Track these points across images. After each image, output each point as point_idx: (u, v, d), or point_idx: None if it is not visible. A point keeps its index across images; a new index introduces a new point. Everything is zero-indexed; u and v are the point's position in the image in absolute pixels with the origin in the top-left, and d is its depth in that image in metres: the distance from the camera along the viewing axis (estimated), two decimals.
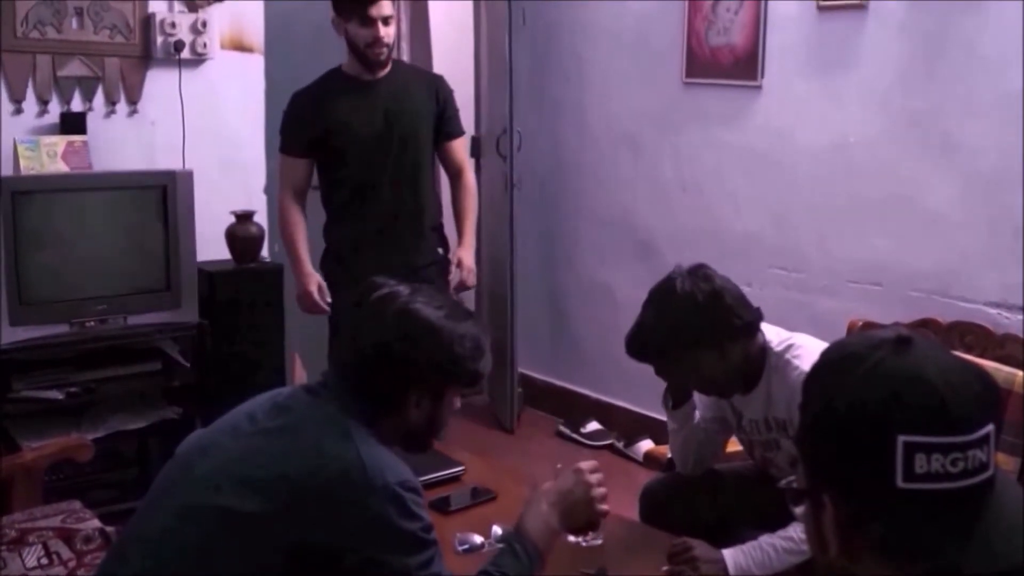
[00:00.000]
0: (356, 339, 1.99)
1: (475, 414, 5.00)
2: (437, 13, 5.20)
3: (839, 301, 3.86)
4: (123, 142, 4.00)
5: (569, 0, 4.90)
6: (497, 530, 2.38)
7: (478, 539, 2.40)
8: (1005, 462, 2.59)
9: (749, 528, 2.47)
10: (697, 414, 2.73)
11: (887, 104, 3.73)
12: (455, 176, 3.83)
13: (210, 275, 3.94)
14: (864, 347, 1.15)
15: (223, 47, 4.20)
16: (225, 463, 1.89)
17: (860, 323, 3.25)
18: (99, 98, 3.96)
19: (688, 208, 4.47)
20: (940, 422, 1.08)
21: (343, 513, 1.80)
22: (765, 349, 2.48)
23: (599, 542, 2.39)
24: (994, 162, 3.45)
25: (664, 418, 2.80)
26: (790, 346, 2.47)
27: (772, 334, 2.51)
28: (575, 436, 4.84)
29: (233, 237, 4.03)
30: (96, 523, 2.81)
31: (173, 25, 4.00)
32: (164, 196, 3.77)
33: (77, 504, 2.94)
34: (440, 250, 3.79)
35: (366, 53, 3.53)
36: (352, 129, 3.58)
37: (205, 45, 4.09)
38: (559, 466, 2.23)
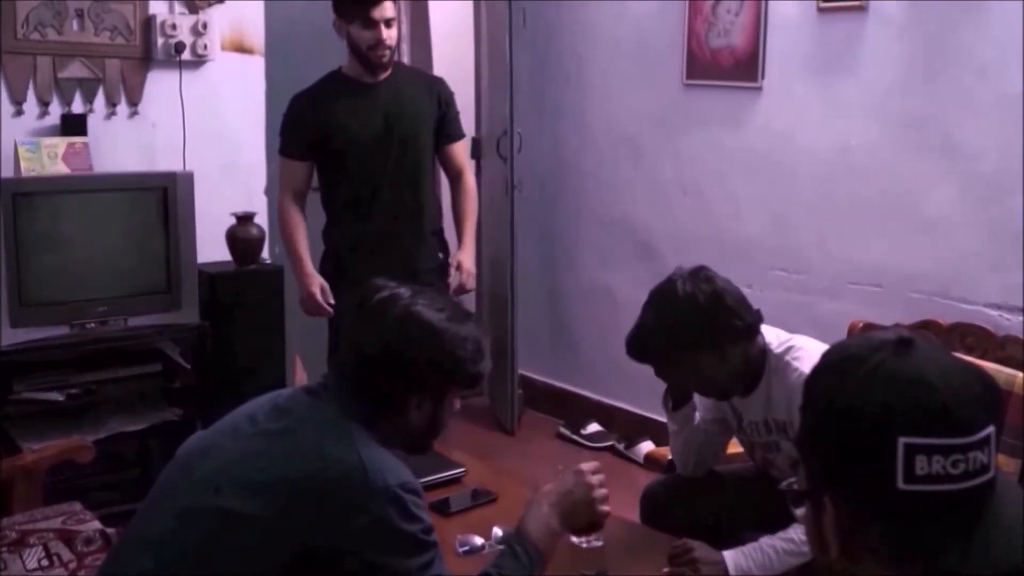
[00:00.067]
0: (358, 341, 1.99)
1: (475, 416, 4.99)
2: (437, 15, 5.20)
3: (840, 303, 3.86)
4: (124, 144, 4.00)
5: (569, 1, 4.90)
6: (498, 532, 2.38)
7: (479, 541, 2.40)
8: (1006, 464, 2.60)
9: (750, 530, 2.47)
10: (697, 415, 2.73)
11: (887, 106, 3.73)
12: (455, 179, 3.82)
13: (211, 276, 3.94)
14: (865, 349, 1.15)
15: (224, 49, 4.20)
16: (225, 465, 1.89)
17: (861, 325, 3.25)
18: (100, 100, 3.96)
19: (688, 210, 4.47)
20: (941, 424, 1.08)
21: (344, 515, 1.80)
22: (765, 351, 2.48)
23: (600, 544, 2.39)
24: (994, 163, 3.45)
25: (664, 420, 2.80)
26: (790, 348, 2.47)
27: (772, 336, 2.51)
28: (575, 438, 4.84)
29: (234, 239, 4.03)
30: (96, 525, 2.81)
31: (174, 27, 4.00)
32: (165, 198, 3.77)
33: (77, 506, 2.94)
34: (440, 254, 3.78)
35: (368, 56, 3.52)
36: (352, 131, 3.57)
37: (206, 47, 4.09)
38: (560, 468, 2.23)
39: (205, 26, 4.07)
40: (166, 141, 4.05)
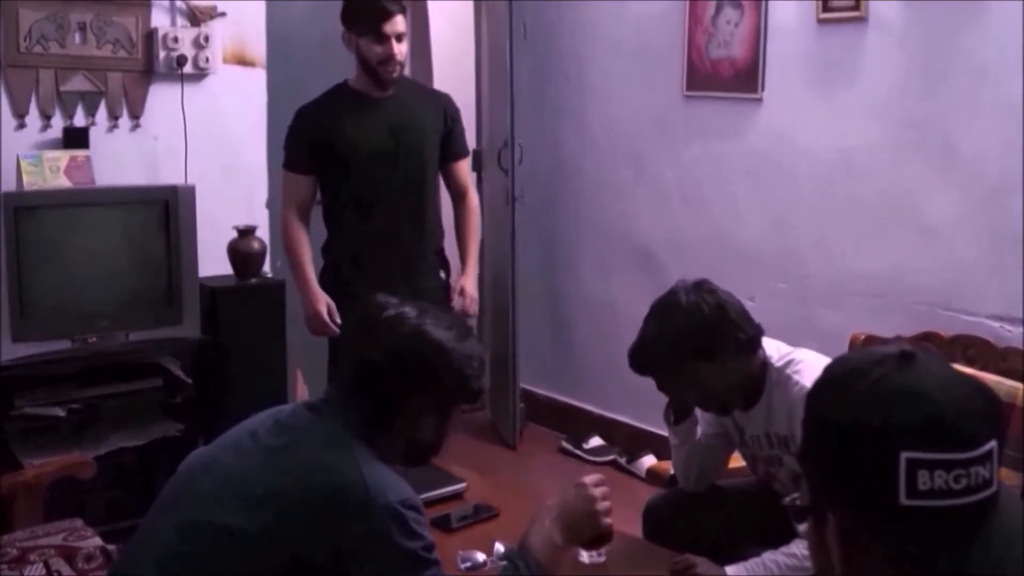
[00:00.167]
0: (365, 359, 1.98)
1: (477, 430, 4.99)
2: (438, 27, 5.21)
3: (841, 314, 3.86)
4: (126, 157, 4.00)
5: (570, 13, 4.91)
6: (499, 547, 2.38)
7: (480, 556, 2.39)
8: (1008, 476, 2.59)
9: (752, 544, 2.46)
10: (699, 430, 2.73)
11: (888, 115, 3.73)
12: (459, 197, 3.79)
13: (212, 291, 3.93)
14: (866, 363, 1.15)
15: (225, 61, 4.21)
16: (227, 480, 1.89)
17: (862, 336, 3.25)
18: (102, 113, 3.97)
19: (690, 221, 4.47)
20: (943, 438, 1.08)
21: (345, 531, 1.80)
22: (766, 365, 2.48)
23: (602, 559, 2.38)
24: (995, 173, 3.45)
25: (666, 434, 2.80)
26: (790, 361, 2.47)
27: (772, 349, 2.51)
28: (577, 452, 4.83)
29: (235, 252, 4.02)
30: (97, 541, 2.81)
31: (175, 40, 4.01)
32: (166, 211, 3.77)
33: (78, 522, 2.93)
34: (442, 273, 3.75)
35: (378, 70, 3.49)
36: (357, 146, 3.54)
37: (207, 60, 4.09)
38: (563, 486, 2.22)
39: (207, 39, 4.08)
40: (168, 154, 4.05)
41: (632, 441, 4.69)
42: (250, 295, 4.04)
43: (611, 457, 4.71)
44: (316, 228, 3.72)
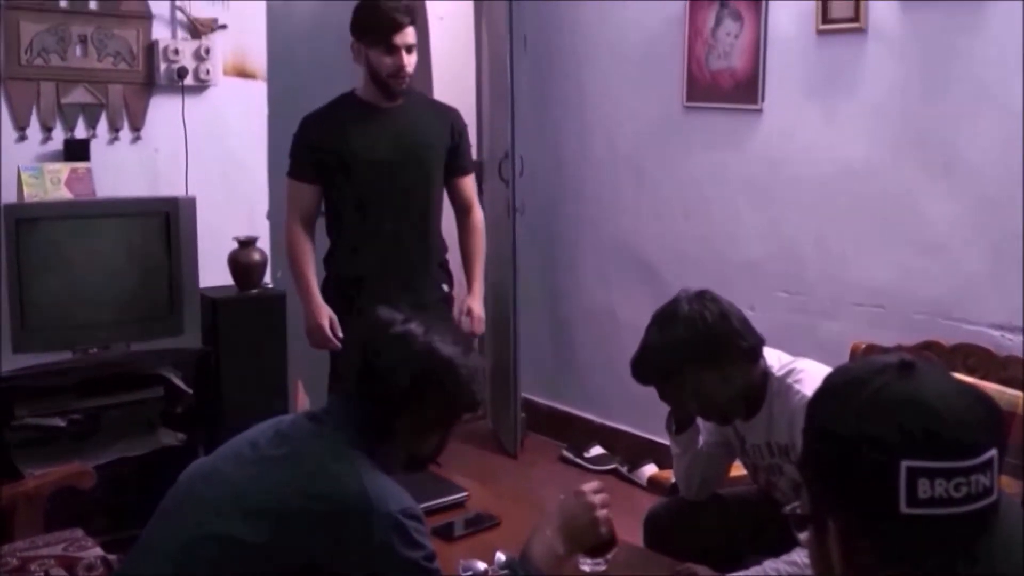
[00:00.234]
0: (372, 375, 1.99)
1: (478, 439, 4.99)
2: (438, 38, 5.22)
3: (842, 324, 3.86)
4: (126, 169, 4.01)
5: (571, 25, 4.92)
6: (501, 556, 2.37)
7: (482, 566, 2.39)
8: (1009, 484, 2.59)
9: (753, 553, 2.46)
10: (701, 439, 2.73)
11: (888, 126, 3.74)
12: (463, 212, 3.76)
13: (213, 301, 3.93)
14: (867, 372, 1.15)
15: (226, 74, 4.22)
16: (228, 491, 1.89)
17: (863, 346, 3.25)
18: (103, 125, 3.98)
19: (690, 231, 4.48)
20: (943, 447, 1.08)
21: (346, 541, 1.80)
22: (767, 374, 2.48)
23: (603, 568, 2.38)
24: (995, 183, 3.45)
25: (668, 442, 2.80)
26: (791, 371, 2.47)
27: (773, 359, 2.51)
28: (579, 461, 4.82)
29: (236, 263, 4.02)
30: (98, 551, 2.81)
31: (176, 52, 4.02)
32: (167, 222, 3.78)
33: (79, 532, 2.93)
34: (445, 286, 3.72)
35: (388, 82, 3.46)
36: (363, 156, 3.50)
37: (208, 72, 4.10)
38: (562, 496, 2.22)
39: (207, 51, 4.09)
40: (169, 166, 4.06)
41: (633, 450, 4.69)
42: (251, 306, 4.04)
43: (612, 466, 4.71)
44: (319, 238, 3.72)
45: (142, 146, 4.06)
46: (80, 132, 3.93)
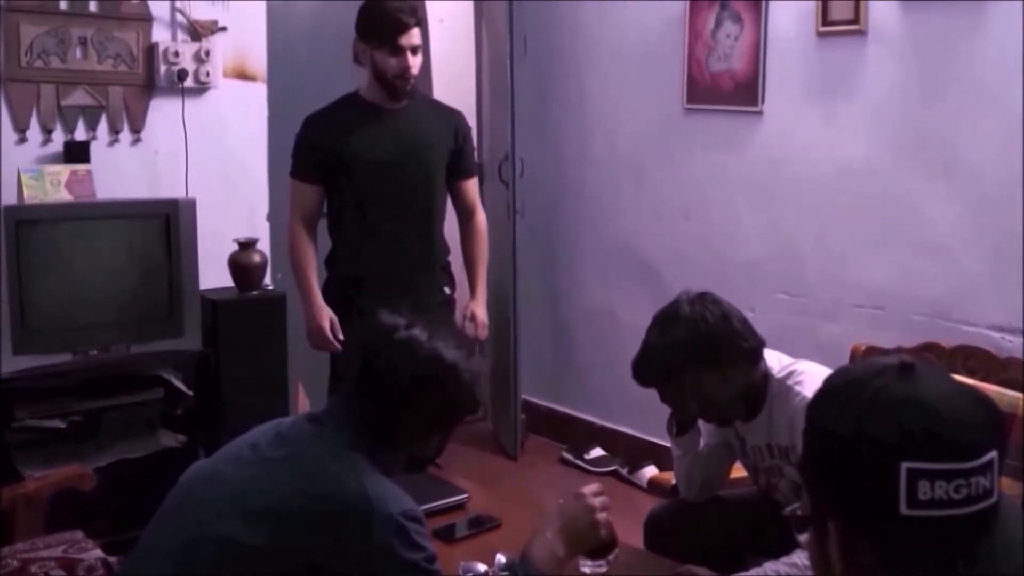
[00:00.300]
0: (376, 380, 1.99)
1: (478, 441, 4.99)
2: (438, 40, 5.22)
3: (842, 325, 3.86)
4: (127, 171, 4.01)
5: (571, 27, 4.92)
6: (501, 558, 2.37)
7: (482, 567, 2.39)
8: (1009, 486, 2.58)
9: (753, 554, 2.46)
10: (702, 441, 2.73)
11: (888, 128, 3.74)
12: (466, 216, 3.74)
13: (213, 303, 3.93)
14: (867, 374, 1.15)
15: (226, 76, 4.22)
16: (228, 492, 1.89)
17: (863, 347, 3.25)
18: (103, 127, 3.98)
19: (690, 233, 4.48)
20: (943, 449, 1.08)
21: (347, 543, 1.80)
22: (767, 376, 2.49)
23: (603, 570, 2.38)
24: (995, 186, 3.45)
25: (668, 444, 2.80)
26: (792, 372, 2.47)
27: (774, 361, 2.51)
28: (579, 462, 4.82)
29: (236, 265, 4.02)
30: (98, 553, 2.81)
31: (176, 54, 4.02)
32: (167, 224, 3.78)
33: (79, 534, 2.93)
34: (446, 288, 3.70)
35: (393, 83, 3.44)
36: (365, 157, 3.48)
37: (208, 74, 4.10)
38: (561, 501, 2.22)
39: (208, 53, 4.09)
40: (169, 168, 4.06)
41: (633, 452, 4.69)
42: (251, 307, 4.04)
43: (612, 468, 4.71)
44: (322, 239, 3.70)
45: (142, 148, 4.06)
46: (80, 134, 3.93)
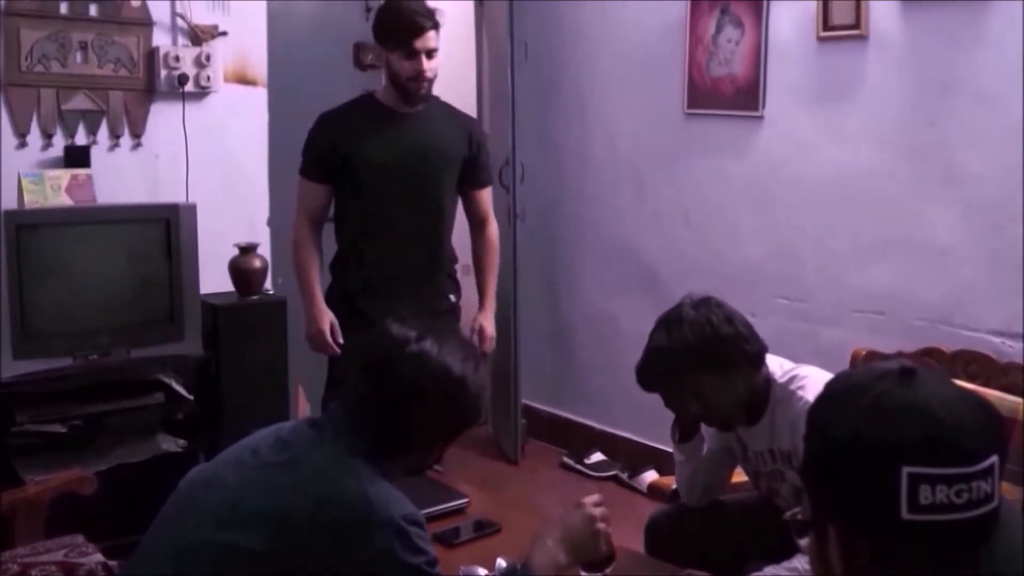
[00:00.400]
0: (385, 391, 1.99)
1: (479, 446, 4.99)
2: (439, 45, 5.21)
3: (843, 331, 3.86)
4: (127, 175, 4.01)
5: (571, 32, 4.93)
6: (501, 563, 2.37)
7: (482, 572, 2.39)
8: (1009, 491, 2.59)
9: (754, 560, 2.46)
10: (704, 447, 2.73)
11: (888, 134, 3.74)
12: (478, 225, 3.69)
13: (213, 308, 3.93)
14: (868, 379, 1.15)
15: (227, 80, 4.22)
16: (228, 497, 1.89)
17: (864, 352, 3.25)
18: (103, 131, 3.98)
19: (691, 238, 4.48)
20: (944, 453, 1.08)
21: (348, 548, 1.80)
22: (769, 381, 2.48)
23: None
24: (996, 191, 3.46)
25: (670, 449, 2.80)
26: (794, 377, 2.47)
27: (775, 366, 2.51)
28: (579, 467, 4.83)
29: (236, 269, 4.02)
30: (99, 557, 2.81)
31: (177, 59, 4.02)
32: (167, 229, 3.77)
33: (80, 538, 2.93)
34: (452, 296, 3.64)
35: (407, 86, 3.40)
36: (375, 160, 3.43)
37: (209, 78, 4.11)
38: (562, 511, 2.22)
39: (208, 58, 4.09)
40: (169, 172, 4.06)
41: (634, 456, 4.69)
42: (251, 312, 4.03)
43: (613, 472, 4.71)
44: (327, 243, 3.67)
45: (142, 152, 4.06)
46: (81, 139, 3.94)
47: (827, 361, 2.62)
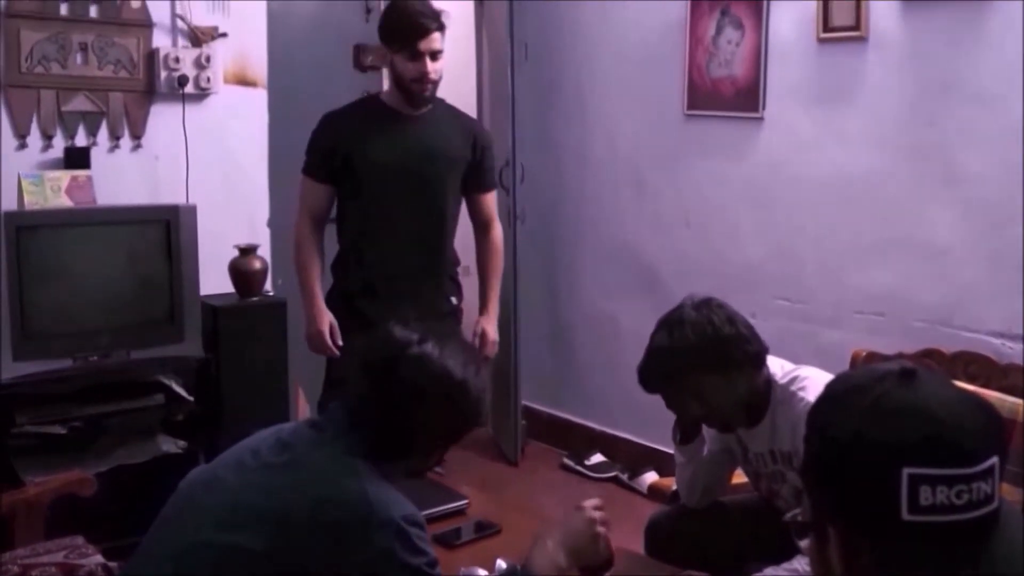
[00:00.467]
0: (386, 394, 1.99)
1: (479, 447, 4.98)
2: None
3: (843, 332, 3.86)
4: (127, 176, 4.01)
5: (571, 33, 4.93)
6: (501, 564, 2.37)
7: (482, 573, 2.39)
8: (1010, 492, 2.59)
9: (754, 561, 2.46)
10: (705, 448, 2.73)
11: (888, 134, 3.74)
12: (483, 229, 3.67)
13: (214, 309, 3.93)
14: (868, 380, 1.15)
15: (227, 82, 4.22)
16: (228, 498, 1.89)
17: (864, 354, 3.25)
18: (103, 133, 3.98)
19: (691, 239, 4.48)
20: (945, 454, 1.08)
21: (348, 549, 1.80)
22: (770, 382, 2.48)
23: None
24: (996, 190, 3.46)
25: (670, 450, 2.80)
26: (795, 378, 2.47)
27: (776, 367, 2.51)
28: (579, 468, 4.82)
29: (236, 271, 4.02)
30: (99, 559, 2.81)
31: (177, 60, 4.02)
32: (168, 230, 3.77)
33: (80, 539, 2.93)
34: (454, 299, 3.63)
35: (411, 88, 3.38)
36: (378, 162, 3.42)
37: (209, 80, 4.11)
38: (562, 514, 2.23)
39: (208, 59, 4.09)
40: (169, 174, 4.06)
41: (634, 457, 4.68)
42: (251, 313, 4.03)
43: (613, 473, 4.71)
44: (329, 244, 3.66)
45: (142, 154, 4.06)
46: (80, 140, 3.94)
47: (827, 362, 2.62)
